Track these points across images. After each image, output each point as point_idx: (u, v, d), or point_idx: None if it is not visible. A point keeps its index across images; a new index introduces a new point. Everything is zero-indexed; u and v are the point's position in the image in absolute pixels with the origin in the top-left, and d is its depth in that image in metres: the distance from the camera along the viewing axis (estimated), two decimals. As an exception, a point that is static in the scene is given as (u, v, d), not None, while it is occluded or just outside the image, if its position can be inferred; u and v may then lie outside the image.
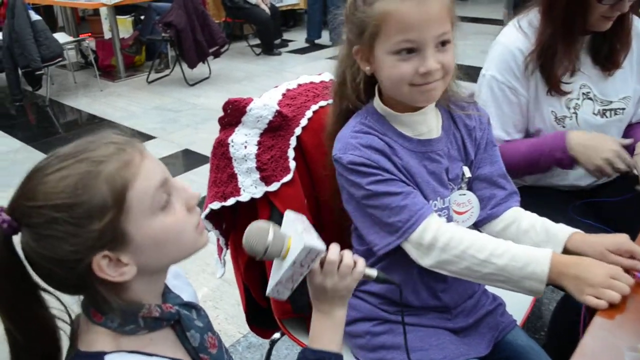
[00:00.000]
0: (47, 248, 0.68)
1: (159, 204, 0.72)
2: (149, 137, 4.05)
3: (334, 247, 0.91)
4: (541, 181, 1.59)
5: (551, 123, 1.48)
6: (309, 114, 1.28)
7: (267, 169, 1.21)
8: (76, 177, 0.68)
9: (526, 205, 1.52)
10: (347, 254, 0.91)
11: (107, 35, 5.94)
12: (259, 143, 1.21)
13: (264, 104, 1.22)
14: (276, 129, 1.23)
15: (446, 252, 1.02)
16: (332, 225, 1.30)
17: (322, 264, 0.89)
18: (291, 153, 1.23)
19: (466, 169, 1.16)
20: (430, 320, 1.17)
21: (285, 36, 7.17)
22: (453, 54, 1.02)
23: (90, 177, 0.68)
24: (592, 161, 1.37)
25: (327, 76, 1.41)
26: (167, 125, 4.32)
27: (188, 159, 3.72)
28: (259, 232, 0.86)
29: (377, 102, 1.12)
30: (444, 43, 0.99)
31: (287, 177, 1.21)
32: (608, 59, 1.46)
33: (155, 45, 5.75)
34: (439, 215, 1.11)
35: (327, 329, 0.93)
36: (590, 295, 0.92)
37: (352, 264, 0.91)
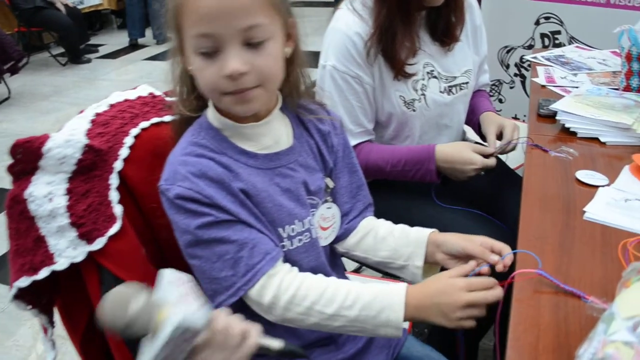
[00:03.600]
0: None
1: None
2: (-60, 181, 3.39)
3: (221, 316, 0.73)
4: None
5: (401, 108, 1.39)
6: (129, 141, 1.03)
7: (85, 223, 0.94)
8: None
9: (386, 197, 1.43)
10: (235, 323, 0.74)
11: None
12: (69, 191, 0.94)
13: (67, 140, 0.94)
14: (89, 169, 0.96)
15: (290, 311, 0.87)
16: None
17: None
18: (114, 195, 0.97)
19: (328, 180, 1.01)
20: (317, 358, 1.01)
21: (94, 40, 6.56)
22: (276, 57, 0.84)
23: None
24: (458, 178, 1.36)
25: (145, 89, 1.15)
26: (-36, 162, 3.65)
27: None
28: (118, 302, 0.65)
29: (211, 112, 0.92)
30: (255, 42, 0.81)
31: (115, 228, 0.95)
32: (445, 33, 1.40)
33: None
34: (299, 240, 0.95)
35: None
36: (461, 319, 0.82)
37: (241, 335, 0.74)
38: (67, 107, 4.62)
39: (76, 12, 5.98)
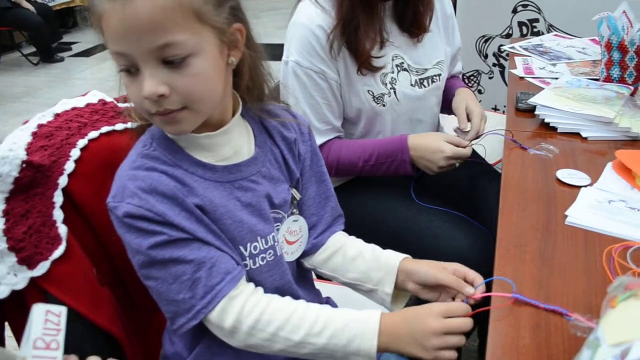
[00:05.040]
0: None
1: None
2: None
3: None
4: None
5: (370, 103, 1.32)
6: (75, 153, 0.95)
7: (25, 247, 0.85)
8: None
9: (362, 199, 1.37)
10: None
11: None
12: (6, 212, 0.85)
13: (2, 157, 0.85)
14: (29, 187, 0.88)
15: (253, 337, 0.80)
16: (142, 294, 1.00)
17: None
18: (58, 214, 0.90)
19: (294, 191, 0.94)
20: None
21: (67, 38, 6.41)
22: (205, 75, 0.75)
23: None
24: (431, 170, 1.29)
25: (95, 96, 1.07)
26: None
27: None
28: None
29: None
30: (174, 60, 0.72)
31: (59, 251, 0.87)
32: (414, 24, 1.33)
33: None
34: (262, 258, 0.88)
35: None
36: (439, 350, 0.77)
37: None
38: (39, 108, 4.44)
39: (47, 10, 5.83)
